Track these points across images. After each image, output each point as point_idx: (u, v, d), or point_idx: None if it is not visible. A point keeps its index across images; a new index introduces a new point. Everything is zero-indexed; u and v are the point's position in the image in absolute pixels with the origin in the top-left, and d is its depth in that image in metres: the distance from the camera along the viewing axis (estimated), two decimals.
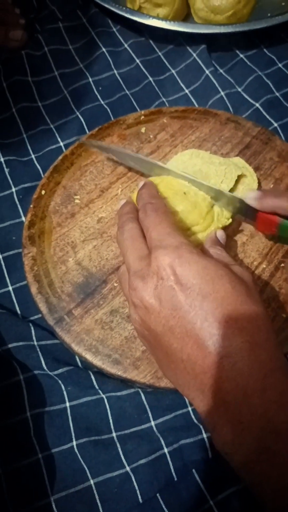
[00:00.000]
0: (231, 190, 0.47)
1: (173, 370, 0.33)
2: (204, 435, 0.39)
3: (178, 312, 0.31)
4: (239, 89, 0.61)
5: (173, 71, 0.64)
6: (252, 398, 0.29)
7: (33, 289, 0.45)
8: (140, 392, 0.41)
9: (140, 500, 0.37)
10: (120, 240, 0.39)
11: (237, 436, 0.29)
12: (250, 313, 0.31)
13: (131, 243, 0.37)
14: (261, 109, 0.58)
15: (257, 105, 0.59)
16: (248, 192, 0.43)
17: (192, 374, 0.31)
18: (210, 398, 0.30)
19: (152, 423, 0.40)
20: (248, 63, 0.63)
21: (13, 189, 0.54)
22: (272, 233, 0.44)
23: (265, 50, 0.65)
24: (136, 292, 0.34)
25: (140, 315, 0.34)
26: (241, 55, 0.64)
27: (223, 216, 0.44)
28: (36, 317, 0.46)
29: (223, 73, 0.63)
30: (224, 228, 0.45)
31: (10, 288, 0.48)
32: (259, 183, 0.49)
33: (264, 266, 0.45)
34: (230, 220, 0.44)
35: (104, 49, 0.65)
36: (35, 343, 0.43)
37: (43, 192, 0.51)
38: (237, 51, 0.65)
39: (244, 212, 0.45)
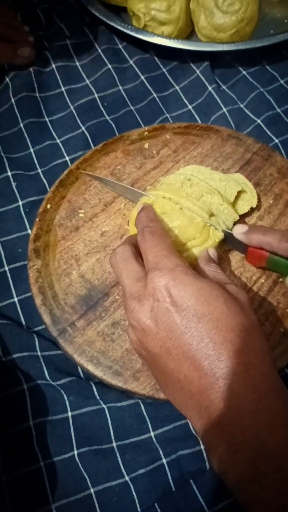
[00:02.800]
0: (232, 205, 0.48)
1: (171, 390, 0.33)
2: (202, 446, 0.40)
3: (174, 333, 0.32)
4: (241, 105, 0.62)
5: (177, 87, 0.65)
6: (245, 419, 0.29)
7: (38, 301, 0.46)
8: (140, 403, 0.42)
9: (139, 510, 0.38)
10: (114, 263, 0.40)
11: (231, 456, 0.29)
12: (245, 334, 0.32)
13: (124, 265, 0.38)
14: (262, 125, 0.60)
15: (259, 121, 0.60)
16: (236, 226, 0.45)
17: (189, 394, 0.32)
18: (206, 418, 0.31)
19: (151, 433, 0.41)
20: (250, 79, 0.65)
21: (20, 203, 0.55)
22: (262, 265, 0.45)
23: (267, 67, 0.66)
24: (133, 314, 0.34)
25: (137, 336, 0.35)
26: (244, 72, 0.65)
27: (219, 231, 0.45)
28: (40, 328, 0.48)
29: (226, 90, 0.64)
30: (222, 242, 0.46)
31: (16, 299, 0.49)
32: (259, 199, 0.51)
33: (263, 280, 0.46)
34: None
35: (110, 66, 0.67)
36: (39, 353, 0.45)
37: (48, 206, 0.52)
38: (240, 68, 0.66)
39: (234, 244, 0.46)
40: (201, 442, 0.40)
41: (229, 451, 0.29)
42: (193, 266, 0.42)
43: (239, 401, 0.30)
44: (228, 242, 0.47)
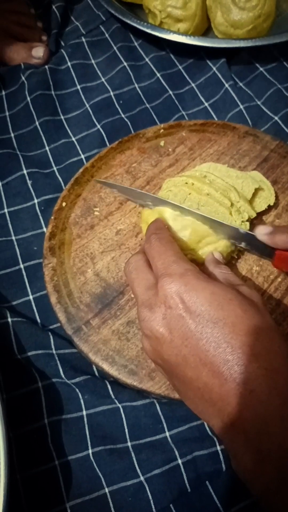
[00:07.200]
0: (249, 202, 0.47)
1: (191, 398, 0.33)
2: (218, 447, 0.40)
3: (189, 340, 0.31)
4: (258, 103, 0.61)
5: (193, 85, 0.65)
6: (271, 426, 0.28)
7: (53, 299, 0.46)
8: (155, 402, 0.42)
9: (154, 510, 0.38)
10: (127, 273, 0.39)
11: (257, 465, 0.28)
12: (263, 337, 0.31)
13: (136, 274, 0.38)
14: (280, 122, 0.59)
15: (276, 118, 0.59)
16: (258, 227, 0.42)
17: (210, 402, 0.31)
18: (229, 426, 0.30)
19: (167, 433, 0.41)
20: (268, 76, 0.64)
21: (35, 201, 0.55)
22: None
23: (285, 63, 0.65)
24: (145, 322, 0.34)
25: (151, 345, 0.34)
26: (261, 69, 0.65)
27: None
28: (55, 326, 0.47)
29: (243, 87, 0.64)
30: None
31: (31, 297, 0.49)
32: (277, 196, 0.50)
33: (280, 279, 0.45)
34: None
35: (125, 63, 0.67)
36: (54, 351, 0.44)
37: (64, 204, 0.52)
38: (257, 65, 0.65)
39: (257, 248, 0.43)
40: (217, 443, 0.40)
41: (255, 460, 0.28)
42: (203, 267, 0.42)
43: (263, 408, 0.29)
44: (249, 247, 0.44)
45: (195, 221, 0.43)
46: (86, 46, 0.70)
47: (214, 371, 0.30)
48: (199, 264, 0.38)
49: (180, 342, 0.32)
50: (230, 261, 0.46)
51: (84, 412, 0.42)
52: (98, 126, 0.61)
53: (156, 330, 0.33)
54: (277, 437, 0.28)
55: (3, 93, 0.66)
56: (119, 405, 0.42)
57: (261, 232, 0.41)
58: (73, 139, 0.61)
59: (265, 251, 0.43)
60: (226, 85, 0.62)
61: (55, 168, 0.58)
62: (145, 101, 0.63)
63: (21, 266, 0.51)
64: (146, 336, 0.35)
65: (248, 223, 0.45)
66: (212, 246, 0.43)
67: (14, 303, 0.49)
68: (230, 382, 0.29)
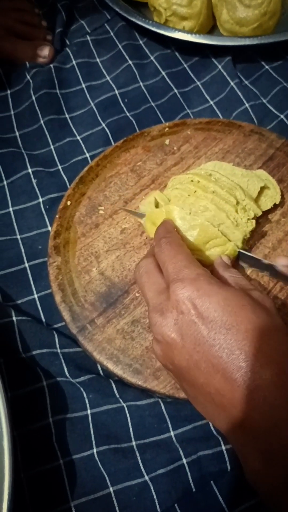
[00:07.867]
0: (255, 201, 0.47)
1: (202, 403, 0.33)
2: (223, 447, 0.39)
3: (202, 346, 0.31)
4: (264, 101, 0.61)
5: (198, 83, 0.64)
6: (282, 430, 0.28)
7: (57, 298, 0.46)
8: (160, 402, 0.42)
9: (158, 510, 0.37)
10: (137, 276, 0.39)
11: (265, 467, 0.28)
12: (276, 343, 0.31)
13: (147, 278, 0.37)
14: (286, 120, 0.58)
15: (282, 116, 0.59)
16: (278, 258, 0.42)
17: (221, 407, 0.31)
18: (239, 429, 0.30)
19: (172, 433, 0.41)
20: (274, 74, 0.63)
21: (40, 199, 0.55)
22: None
23: None
24: (156, 327, 0.34)
25: (162, 350, 0.34)
26: (267, 67, 0.64)
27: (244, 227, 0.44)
28: (59, 325, 0.47)
29: (248, 85, 0.63)
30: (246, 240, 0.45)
31: (36, 296, 0.49)
32: (283, 195, 0.49)
33: None
34: (249, 233, 0.45)
35: (130, 62, 0.67)
36: (58, 350, 0.44)
37: (68, 202, 0.52)
38: (263, 63, 0.65)
39: (275, 275, 0.44)
40: (222, 443, 0.40)
41: (263, 462, 0.28)
42: (211, 269, 0.41)
43: (275, 412, 0.29)
44: (272, 275, 0.44)
45: (204, 222, 0.42)
46: (91, 45, 0.69)
47: (227, 377, 0.30)
48: (206, 265, 0.38)
49: (192, 348, 0.32)
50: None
51: (89, 411, 0.42)
52: (103, 125, 0.61)
53: (167, 335, 0.33)
54: (285, 438, 0.28)
55: (8, 92, 0.66)
56: (124, 404, 0.42)
57: (283, 264, 0.41)
58: (78, 137, 0.61)
59: (282, 277, 0.43)
60: (232, 83, 0.62)
61: (60, 167, 0.58)
62: (150, 99, 0.63)
63: (26, 265, 0.51)
64: (157, 340, 0.34)
65: (254, 221, 0.45)
66: (220, 248, 0.43)
67: (18, 301, 0.49)
68: (243, 388, 0.29)
